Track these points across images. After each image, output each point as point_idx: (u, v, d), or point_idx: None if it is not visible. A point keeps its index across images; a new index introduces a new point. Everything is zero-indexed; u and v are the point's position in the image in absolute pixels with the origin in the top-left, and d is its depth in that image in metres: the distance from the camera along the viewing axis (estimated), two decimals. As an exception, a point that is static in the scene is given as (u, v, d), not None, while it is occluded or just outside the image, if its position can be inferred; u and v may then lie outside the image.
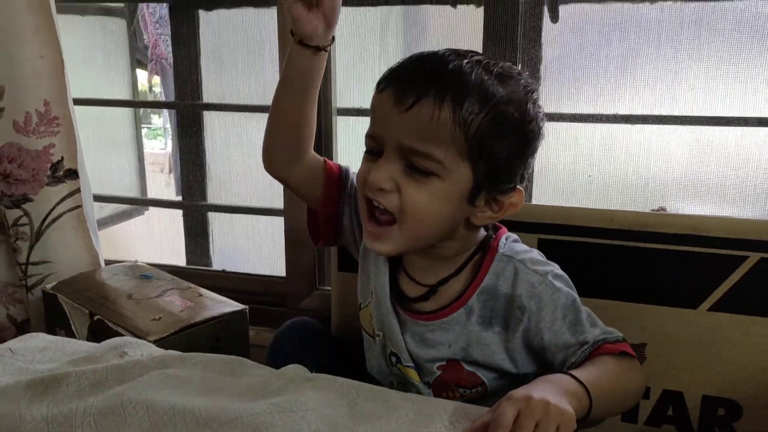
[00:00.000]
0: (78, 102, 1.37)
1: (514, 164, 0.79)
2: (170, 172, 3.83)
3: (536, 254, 0.87)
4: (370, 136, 0.81)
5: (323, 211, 0.95)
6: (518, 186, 0.81)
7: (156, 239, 2.00)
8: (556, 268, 0.85)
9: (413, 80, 0.76)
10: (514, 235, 0.90)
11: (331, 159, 1.36)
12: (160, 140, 4.56)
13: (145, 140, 2.98)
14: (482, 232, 0.88)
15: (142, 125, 3.04)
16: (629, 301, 1.07)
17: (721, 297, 1.03)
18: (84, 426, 0.75)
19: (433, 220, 0.79)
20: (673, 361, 1.07)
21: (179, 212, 1.82)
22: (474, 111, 0.74)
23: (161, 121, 4.72)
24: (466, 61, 0.77)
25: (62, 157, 1.33)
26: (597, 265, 1.07)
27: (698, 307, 1.04)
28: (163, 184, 3.66)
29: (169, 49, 2.77)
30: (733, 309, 1.03)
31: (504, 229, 0.89)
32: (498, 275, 0.83)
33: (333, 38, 0.86)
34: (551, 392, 0.66)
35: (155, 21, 2.83)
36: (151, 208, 2.27)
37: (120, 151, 2.10)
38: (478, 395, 0.88)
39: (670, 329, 1.06)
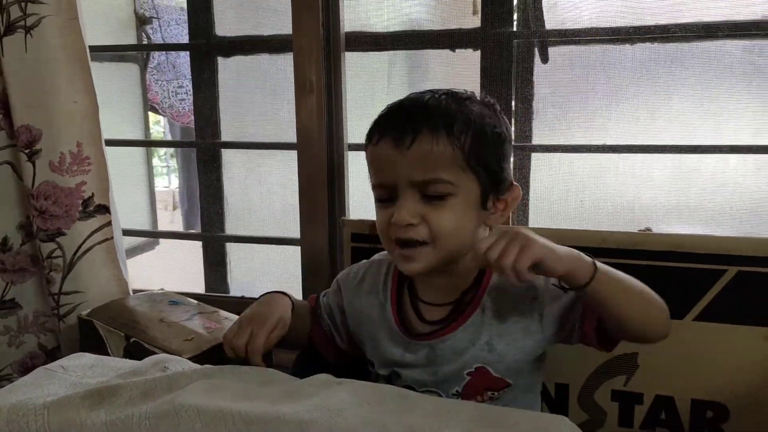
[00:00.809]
0: (106, 143, 1.48)
1: (504, 165, 0.92)
2: (174, 209, 3.93)
3: None
4: (378, 186, 0.91)
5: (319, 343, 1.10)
6: (513, 182, 0.94)
7: (169, 271, 2.09)
8: None
9: (404, 123, 0.87)
10: None
11: (343, 190, 1.47)
12: (161, 179, 4.68)
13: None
14: None
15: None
16: None
17: (704, 308, 1.12)
18: (141, 428, 0.83)
19: (462, 233, 0.90)
20: (663, 368, 1.15)
21: (189, 245, 1.92)
22: (463, 130, 0.87)
23: (158, 160, 4.85)
24: (436, 96, 0.90)
25: (93, 194, 1.42)
26: None
27: (684, 318, 1.13)
28: (168, 221, 3.76)
29: (165, 93, 2.89)
30: (716, 319, 1.11)
31: None
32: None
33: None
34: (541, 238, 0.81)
35: (153, 66, 2.93)
36: (162, 242, 2.37)
37: (133, 188, 2.20)
38: (505, 395, 0.96)
39: None
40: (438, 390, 0.96)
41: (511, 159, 0.96)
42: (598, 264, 0.82)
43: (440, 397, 0.95)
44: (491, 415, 0.84)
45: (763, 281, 1.09)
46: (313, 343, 1.10)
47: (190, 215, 3.28)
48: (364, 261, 1.09)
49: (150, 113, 3.21)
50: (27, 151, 1.37)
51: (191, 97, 2.94)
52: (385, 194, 0.91)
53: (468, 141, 0.87)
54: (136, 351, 1.20)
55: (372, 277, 1.04)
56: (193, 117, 2.94)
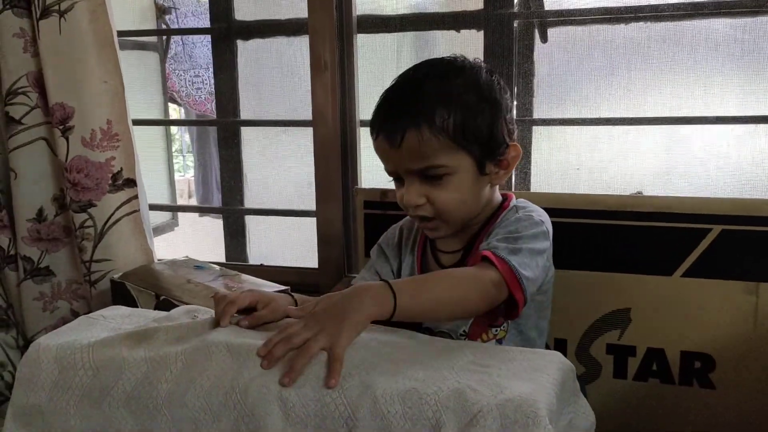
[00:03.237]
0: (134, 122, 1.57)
1: (496, 130, 0.98)
2: (189, 197, 4.05)
3: (532, 204, 1.05)
4: (388, 171, 1.02)
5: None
6: (509, 143, 1.00)
7: (188, 248, 2.19)
8: (536, 213, 1.02)
9: (392, 123, 0.96)
10: (522, 199, 1.09)
11: (356, 163, 1.56)
12: (177, 173, 4.82)
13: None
14: (498, 197, 1.07)
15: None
16: (614, 272, 1.23)
17: (691, 265, 1.20)
18: (177, 363, 0.93)
19: (466, 204, 1.00)
20: (654, 322, 1.23)
21: (208, 225, 2.02)
22: (444, 116, 0.94)
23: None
24: (418, 80, 0.97)
25: (121, 168, 1.52)
26: (585, 242, 1.24)
27: (673, 274, 1.21)
28: (184, 208, 3.88)
29: (182, 82, 2.99)
30: (702, 274, 1.19)
31: (511, 194, 1.09)
32: (500, 220, 1.02)
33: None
34: (341, 305, 0.83)
35: (170, 57, 3.04)
36: (180, 224, 2.48)
37: (153, 170, 2.30)
38: (506, 332, 1.05)
39: (650, 294, 1.22)
40: (449, 330, 1.06)
41: (510, 115, 1.02)
42: (398, 299, 0.85)
43: (450, 338, 1.04)
44: (492, 351, 0.93)
45: (744, 239, 1.17)
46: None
47: (205, 202, 3.39)
48: (395, 225, 1.19)
49: (170, 104, 3.33)
50: (61, 127, 1.47)
51: (208, 86, 3.06)
52: (395, 176, 1.02)
53: (451, 124, 0.94)
54: (166, 308, 1.30)
55: (406, 235, 1.15)
56: (210, 105, 3.05)
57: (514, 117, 1.04)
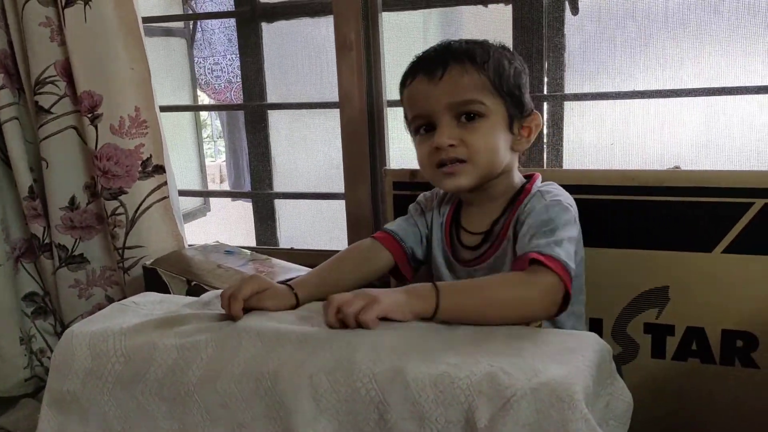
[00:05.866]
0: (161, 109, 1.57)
1: (523, 92, 1.01)
2: (221, 181, 4.08)
3: (556, 188, 1.03)
4: (416, 118, 1.02)
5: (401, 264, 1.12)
6: (534, 110, 1.03)
7: (220, 234, 2.20)
8: (563, 197, 1.00)
9: (433, 61, 0.99)
10: (550, 182, 1.06)
11: (383, 144, 1.54)
12: (209, 159, 4.85)
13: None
14: (520, 178, 1.06)
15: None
16: (652, 249, 1.20)
17: (732, 240, 1.15)
18: (208, 349, 0.93)
19: (494, 152, 0.99)
20: (694, 300, 1.19)
21: (239, 209, 2.02)
22: (484, 59, 0.98)
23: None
24: (457, 41, 1.02)
25: (150, 155, 1.52)
26: (622, 218, 1.20)
27: (713, 251, 1.17)
28: (216, 193, 3.90)
29: (202, 70, 2.98)
30: (743, 250, 1.15)
31: (537, 175, 1.07)
32: (525, 206, 1.00)
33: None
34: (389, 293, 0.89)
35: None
36: (212, 209, 2.48)
37: (184, 157, 2.31)
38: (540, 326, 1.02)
39: (690, 272, 1.19)
40: None
41: (528, 93, 1.05)
42: (442, 300, 0.88)
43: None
44: (526, 334, 0.91)
45: (789, 213, 1.13)
46: (398, 267, 1.13)
47: (237, 186, 3.40)
48: (432, 190, 1.17)
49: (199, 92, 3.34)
50: (90, 115, 1.47)
51: (226, 74, 3.04)
52: (423, 122, 1.01)
53: (491, 69, 0.98)
54: (197, 294, 1.30)
55: (439, 202, 1.14)
56: (228, 94, 3.04)
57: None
